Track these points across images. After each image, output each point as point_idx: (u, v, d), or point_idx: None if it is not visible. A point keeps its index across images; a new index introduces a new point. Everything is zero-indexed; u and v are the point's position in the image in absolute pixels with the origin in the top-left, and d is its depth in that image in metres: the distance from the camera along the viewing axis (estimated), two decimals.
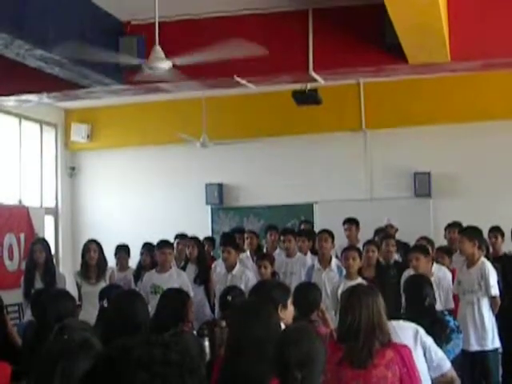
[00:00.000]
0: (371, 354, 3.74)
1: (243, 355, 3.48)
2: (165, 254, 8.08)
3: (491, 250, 8.52)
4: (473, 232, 7.38)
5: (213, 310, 8.42)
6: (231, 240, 8.84)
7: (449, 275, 7.62)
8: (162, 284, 7.59)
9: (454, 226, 9.10)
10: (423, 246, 7.66)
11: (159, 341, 1.68)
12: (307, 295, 5.30)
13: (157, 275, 8.06)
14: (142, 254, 9.28)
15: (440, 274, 7.45)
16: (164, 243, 8.23)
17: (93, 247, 8.24)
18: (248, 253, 9.51)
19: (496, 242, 8.69)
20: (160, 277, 7.98)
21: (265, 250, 9.64)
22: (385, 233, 9.36)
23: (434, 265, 7.63)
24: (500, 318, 7.27)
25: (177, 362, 1.63)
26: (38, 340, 4.40)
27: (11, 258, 10.46)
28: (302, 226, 10.46)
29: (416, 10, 6.08)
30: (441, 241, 9.61)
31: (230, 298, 5.76)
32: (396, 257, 8.66)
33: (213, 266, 8.99)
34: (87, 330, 3.68)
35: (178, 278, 7.99)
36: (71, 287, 8.06)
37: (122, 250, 9.41)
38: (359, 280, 7.09)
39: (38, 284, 7.97)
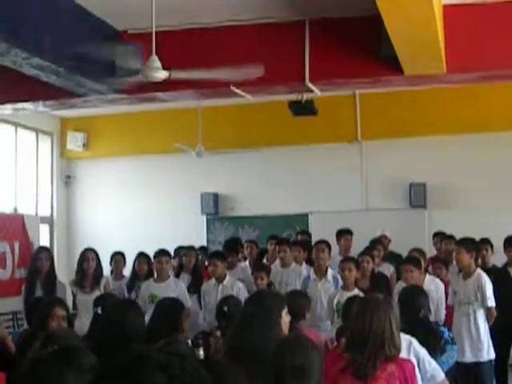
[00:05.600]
0: (375, 367, 3.70)
1: (242, 365, 3.47)
2: (161, 262, 8.07)
3: (480, 261, 8.51)
4: (470, 243, 7.40)
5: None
6: (217, 252, 8.84)
7: (441, 287, 7.63)
8: (160, 293, 7.53)
9: (449, 237, 9.12)
10: (416, 259, 7.67)
11: (175, 351, 1.71)
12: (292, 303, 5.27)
13: (154, 285, 8.04)
14: (136, 263, 9.25)
15: (432, 286, 7.45)
16: (161, 252, 8.21)
17: (91, 256, 8.22)
18: (247, 262, 9.50)
19: (486, 255, 8.71)
20: (158, 286, 7.95)
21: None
22: (380, 243, 9.39)
23: (427, 276, 7.65)
24: (491, 328, 7.28)
25: (192, 372, 1.66)
26: (26, 347, 4.38)
27: (4, 266, 10.41)
28: (299, 237, 10.45)
29: (412, 23, 6.11)
30: (435, 252, 9.66)
31: (226, 308, 5.75)
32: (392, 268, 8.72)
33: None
34: (74, 339, 3.66)
35: (176, 287, 7.97)
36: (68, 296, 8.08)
37: (119, 256, 9.41)
38: (356, 291, 7.10)
39: (39, 292, 7.95)
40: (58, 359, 2.56)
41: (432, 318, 6.78)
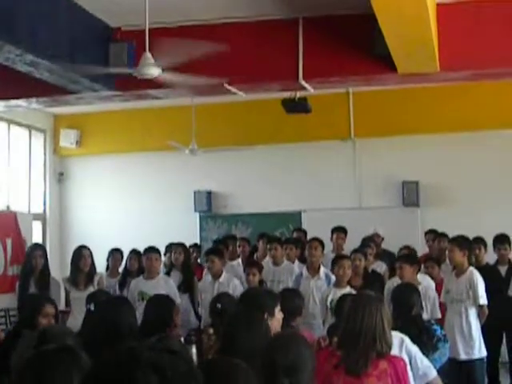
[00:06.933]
0: (367, 363, 3.72)
1: None
2: (151, 259, 8.05)
3: (474, 260, 8.54)
4: (463, 241, 7.42)
5: (198, 318, 8.39)
6: (215, 248, 8.83)
7: (432, 285, 7.65)
8: (149, 291, 7.52)
9: (442, 235, 9.16)
10: (409, 255, 7.69)
11: (166, 348, 1.70)
12: (289, 301, 5.28)
13: (144, 282, 8.02)
14: (127, 260, 9.24)
15: (425, 283, 7.47)
16: (151, 249, 8.20)
17: (86, 253, 8.22)
18: (240, 260, 9.50)
19: (479, 253, 8.73)
20: (147, 283, 7.94)
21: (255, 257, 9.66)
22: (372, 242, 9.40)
23: (419, 274, 7.65)
24: (483, 325, 7.30)
25: (184, 370, 1.65)
26: (12, 344, 4.38)
27: None
28: (295, 235, 10.46)
29: (406, 21, 6.12)
30: (427, 249, 9.68)
31: (219, 305, 5.75)
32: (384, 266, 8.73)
33: (204, 274, 8.92)
34: (69, 336, 3.66)
35: (166, 285, 7.95)
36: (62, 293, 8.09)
37: (117, 253, 9.40)
38: (348, 288, 7.11)
39: (33, 290, 7.94)
40: (64, 357, 2.56)
41: (429, 316, 6.82)
